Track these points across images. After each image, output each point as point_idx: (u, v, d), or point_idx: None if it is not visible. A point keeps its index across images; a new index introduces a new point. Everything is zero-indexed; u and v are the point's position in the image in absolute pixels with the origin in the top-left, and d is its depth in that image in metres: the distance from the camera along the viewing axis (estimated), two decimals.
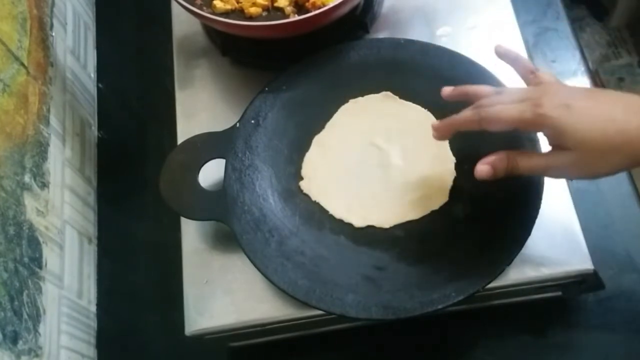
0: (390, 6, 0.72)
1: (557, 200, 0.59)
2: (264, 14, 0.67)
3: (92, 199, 0.77)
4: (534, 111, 0.47)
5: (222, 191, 0.60)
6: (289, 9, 0.66)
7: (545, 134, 0.49)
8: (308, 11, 0.65)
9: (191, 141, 0.62)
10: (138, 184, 0.78)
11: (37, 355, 0.59)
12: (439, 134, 0.55)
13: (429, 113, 0.63)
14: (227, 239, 0.60)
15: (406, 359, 0.65)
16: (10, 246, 0.58)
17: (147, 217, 0.76)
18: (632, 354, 0.63)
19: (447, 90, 0.56)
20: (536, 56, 0.75)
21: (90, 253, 0.74)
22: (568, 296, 0.62)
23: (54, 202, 0.68)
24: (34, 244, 0.63)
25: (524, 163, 0.50)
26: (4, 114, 0.62)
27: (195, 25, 0.73)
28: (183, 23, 0.74)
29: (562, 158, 0.48)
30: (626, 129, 0.45)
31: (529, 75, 0.54)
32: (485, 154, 0.55)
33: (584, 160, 0.47)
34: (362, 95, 0.65)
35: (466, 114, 0.52)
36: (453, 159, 0.61)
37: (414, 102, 0.64)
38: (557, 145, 0.48)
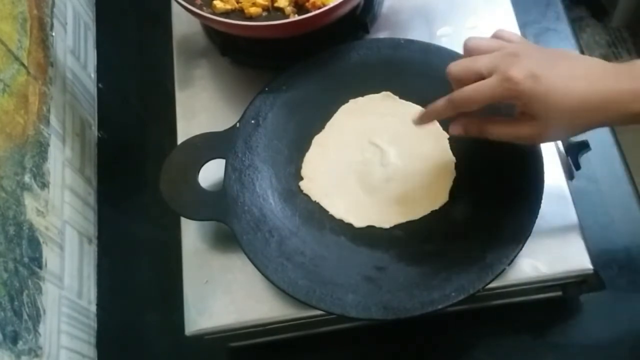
0: (391, 6, 0.72)
1: (557, 200, 0.58)
2: (264, 14, 0.67)
3: (92, 199, 0.77)
4: (503, 86, 0.48)
5: (222, 191, 0.60)
6: (289, 9, 0.66)
7: (514, 102, 0.50)
8: (308, 11, 0.65)
9: (191, 141, 0.62)
10: (138, 184, 0.78)
11: (37, 355, 0.59)
12: (419, 123, 0.56)
13: None
14: (227, 239, 0.60)
15: (406, 358, 0.65)
16: (10, 246, 0.58)
17: (147, 217, 0.76)
18: (632, 355, 0.62)
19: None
20: None
21: (91, 253, 0.74)
22: (568, 296, 0.62)
23: (54, 202, 0.68)
24: (34, 244, 0.63)
25: (494, 130, 0.52)
26: (4, 114, 0.62)
27: (195, 25, 0.73)
28: (183, 23, 0.74)
29: (530, 128, 0.50)
30: (588, 94, 0.47)
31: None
32: (485, 153, 0.55)
33: (552, 127, 0.49)
34: (362, 95, 0.65)
35: (440, 102, 0.53)
36: (453, 159, 0.61)
37: (414, 102, 0.64)
38: (526, 112, 0.50)
